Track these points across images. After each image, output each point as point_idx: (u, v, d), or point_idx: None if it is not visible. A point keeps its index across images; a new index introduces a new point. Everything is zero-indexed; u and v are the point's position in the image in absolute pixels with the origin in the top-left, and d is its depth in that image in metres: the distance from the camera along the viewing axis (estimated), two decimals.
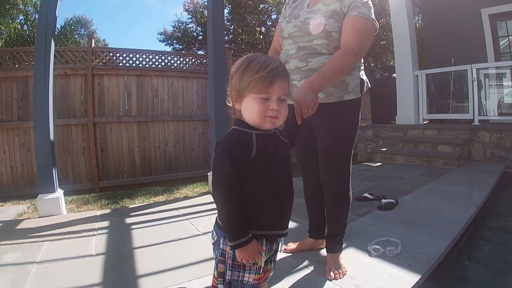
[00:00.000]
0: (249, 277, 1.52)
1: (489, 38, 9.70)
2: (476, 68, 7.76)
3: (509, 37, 9.81)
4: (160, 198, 5.29)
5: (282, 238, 1.68)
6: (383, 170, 6.58)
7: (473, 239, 3.88)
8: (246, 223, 1.44)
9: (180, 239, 3.28)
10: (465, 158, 7.14)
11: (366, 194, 4.44)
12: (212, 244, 1.60)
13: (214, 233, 1.58)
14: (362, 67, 2.53)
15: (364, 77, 2.52)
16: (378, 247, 2.86)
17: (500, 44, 9.88)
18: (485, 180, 5.51)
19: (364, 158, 8.24)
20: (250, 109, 1.45)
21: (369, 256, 2.75)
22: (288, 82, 1.50)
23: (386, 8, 13.94)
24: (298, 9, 2.48)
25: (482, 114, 7.99)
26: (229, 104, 1.54)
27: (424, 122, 8.69)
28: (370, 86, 2.67)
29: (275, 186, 1.52)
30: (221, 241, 1.52)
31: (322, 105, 2.30)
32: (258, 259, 1.48)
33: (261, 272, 1.56)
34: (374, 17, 2.29)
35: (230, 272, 1.52)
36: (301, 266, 2.60)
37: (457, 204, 4.23)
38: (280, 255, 2.71)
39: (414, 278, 2.42)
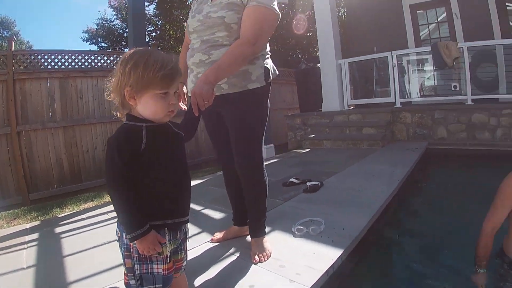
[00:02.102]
0: (158, 268, 1.52)
1: (410, 27, 10.37)
2: (396, 55, 8.21)
3: (429, 25, 10.47)
4: (90, 204, 5.16)
5: (187, 225, 1.70)
6: (311, 156, 6.74)
7: (397, 212, 4.11)
8: (142, 214, 1.44)
9: (110, 242, 3.18)
10: (389, 138, 7.55)
11: (292, 179, 4.52)
12: (117, 241, 1.57)
13: (118, 230, 1.56)
14: (268, 56, 2.56)
15: (270, 65, 2.54)
16: (302, 227, 2.92)
17: (422, 32, 10.54)
18: (408, 157, 5.82)
19: (294, 145, 8.43)
20: (151, 106, 1.49)
21: (294, 237, 2.81)
22: (182, 76, 1.59)
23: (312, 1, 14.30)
24: (202, 4, 2.48)
25: (406, 97, 8.58)
26: (110, 99, 1.55)
27: (350, 108, 9.01)
28: (278, 74, 2.71)
29: (170, 176, 1.55)
30: (124, 236, 1.49)
31: (227, 96, 2.35)
32: (159, 249, 1.48)
33: (169, 261, 1.56)
34: (275, 6, 2.32)
35: (138, 266, 1.50)
36: (228, 253, 2.61)
37: (380, 181, 4.43)
38: (206, 246, 2.73)
39: (337, 253, 2.50)
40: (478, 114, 7.20)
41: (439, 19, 10.41)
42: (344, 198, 3.83)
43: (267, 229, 2.80)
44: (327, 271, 2.29)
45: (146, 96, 1.47)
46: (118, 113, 1.59)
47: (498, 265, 2.39)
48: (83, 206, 5.02)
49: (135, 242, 1.44)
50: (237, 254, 2.58)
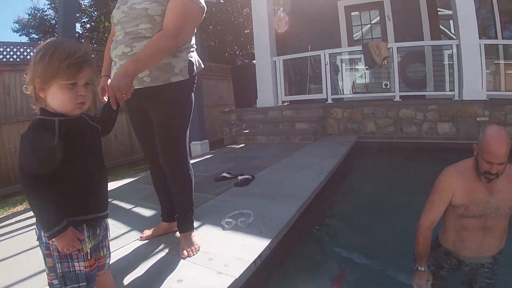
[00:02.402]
0: (79, 266, 1.47)
1: (344, 28, 10.79)
2: (329, 53, 8.47)
3: (363, 27, 10.95)
4: (19, 208, 4.93)
5: (107, 221, 1.66)
6: (245, 151, 6.78)
7: (326, 202, 4.27)
8: (58, 211, 1.39)
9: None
10: (321, 133, 7.79)
11: (224, 174, 4.52)
12: (37, 239, 1.50)
13: (36, 228, 1.49)
14: (193, 49, 2.52)
15: (194, 59, 2.51)
16: (231, 220, 2.93)
17: (355, 33, 11.01)
18: (338, 150, 6.00)
19: (229, 141, 8.45)
20: (59, 97, 1.43)
21: (223, 230, 2.81)
22: (93, 67, 1.49)
23: None
24: None
25: (340, 94, 8.94)
26: (27, 93, 1.47)
27: (285, 104, 9.19)
28: (203, 67, 2.69)
29: (85, 170, 1.50)
30: (42, 234, 1.42)
31: (150, 89, 2.30)
32: (78, 246, 1.44)
33: (89, 258, 1.51)
34: None
35: (59, 264, 1.45)
36: (157, 250, 2.55)
37: (310, 173, 4.53)
38: (136, 244, 2.65)
39: (265, 243, 2.53)
40: (405, 109, 7.62)
41: (372, 21, 10.88)
42: (275, 190, 3.88)
43: (197, 224, 2.80)
44: (254, 261, 2.31)
45: (53, 87, 1.41)
46: (34, 107, 1.51)
47: (435, 255, 2.53)
48: (11, 211, 4.78)
49: (53, 240, 1.39)
50: (166, 250, 2.53)
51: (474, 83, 7.44)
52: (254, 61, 9.28)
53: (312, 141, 7.13)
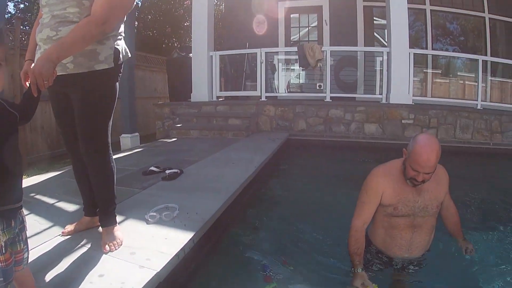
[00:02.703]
0: None
1: (283, 28, 11.09)
2: (265, 52, 8.62)
3: (300, 29, 11.38)
4: None
5: (23, 213, 1.60)
6: (177, 145, 6.73)
7: (255, 196, 4.38)
8: None
9: None
10: (254, 129, 7.95)
11: (152, 168, 4.44)
12: None
13: None
14: (121, 37, 2.46)
15: (121, 47, 2.45)
16: (155, 214, 2.90)
17: (293, 35, 11.45)
18: (268, 146, 6.15)
19: (162, 135, 8.30)
20: None
21: (147, 224, 2.77)
22: (4, 47, 1.43)
23: None
24: None
25: (275, 92, 9.23)
26: None
27: (220, 100, 9.19)
28: (130, 56, 2.62)
29: None
30: None
31: (73, 76, 2.22)
32: None
33: (5, 252, 1.44)
34: None
35: None
36: (79, 245, 2.46)
37: (239, 167, 4.59)
38: (58, 240, 2.55)
39: (188, 236, 2.55)
40: (335, 110, 8.01)
41: (310, 25, 11.33)
42: (202, 184, 3.90)
43: (121, 218, 2.76)
44: (177, 254, 2.32)
45: None
46: None
47: (366, 253, 2.55)
48: None
49: None
50: (88, 245, 2.45)
51: (401, 88, 7.99)
52: (191, 54, 9.20)
53: (245, 137, 7.23)
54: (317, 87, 8.90)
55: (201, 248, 2.78)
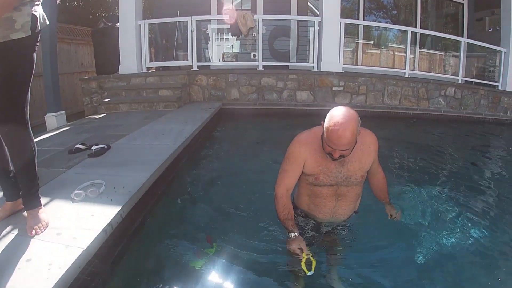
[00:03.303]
0: None
1: None
2: (196, 20, 8.38)
3: None
4: None
5: None
6: (105, 120, 6.45)
7: (187, 166, 4.40)
8: None
9: None
10: (186, 100, 7.83)
11: (78, 145, 4.22)
12: None
13: None
14: (38, 2, 2.29)
15: (39, 13, 2.27)
16: (81, 191, 2.81)
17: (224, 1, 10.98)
18: (200, 116, 6.12)
19: (90, 111, 7.84)
20: None
21: (73, 203, 2.69)
22: None
23: None
24: None
25: (209, 61, 9.29)
26: None
27: (151, 71, 8.90)
28: (48, 23, 2.45)
29: None
30: None
31: None
32: None
33: None
34: None
35: None
36: (4, 233, 2.33)
37: (168, 138, 4.55)
38: None
39: (115, 210, 2.52)
40: (267, 78, 8.11)
41: None
42: (130, 158, 3.83)
43: (46, 200, 2.66)
44: (104, 229, 2.30)
45: None
46: None
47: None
48: None
49: None
50: (15, 232, 2.33)
51: (332, 57, 8.26)
52: (118, 24, 8.75)
53: (176, 108, 7.11)
54: (252, 57, 8.86)
55: (132, 221, 2.77)
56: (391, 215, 2.71)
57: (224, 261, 2.52)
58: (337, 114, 2.14)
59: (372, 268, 2.52)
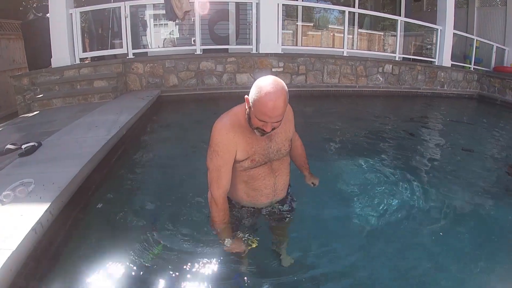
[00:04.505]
0: None
1: None
2: (129, 5, 8.10)
3: None
4: None
5: None
6: (38, 118, 6.17)
7: (124, 157, 4.35)
8: None
9: None
10: (122, 89, 7.64)
11: (8, 146, 4.03)
12: None
13: None
14: None
15: None
16: (10, 192, 2.70)
17: None
18: (136, 105, 6.08)
19: (24, 110, 7.39)
20: None
21: (2, 205, 2.59)
22: None
23: None
24: None
25: (147, 48, 9.15)
26: None
27: (86, 62, 8.54)
28: None
29: None
30: None
31: None
32: None
33: None
34: None
35: None
36: None
37: (102, 130, 4.47)
38: None
39: (44, 207, 2.47)
40: (206, 62, 8.11)
41: None
42: (62, 153, 3.73)
43: None
44: (33, 228, 2.25)
45: None
46: None
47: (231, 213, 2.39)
48: None
49: None
50: None
51: (270, 38, 8.36)
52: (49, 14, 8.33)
53: (113, 98, 6.93)
54: (192, 42, 8.79)
55: (66, 218, 2.73)
56: (312, 183, 2.74)
57: (171, 255, 2.46)
58: (266, 84, 1.97)
59: (320, 239, 2.70)
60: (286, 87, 2.02)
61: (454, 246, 2.76)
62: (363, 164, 4.26)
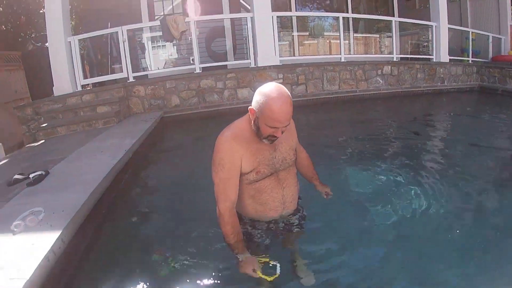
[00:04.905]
0: None
1: (145, 2, 10.65)
2: (126, 30, 8.22)
3: (163, 2, 11.25)
4: None
5: None
6: (44, 147, 6.22)
7: (132, 180, 4.35)
8: None
9: None
10: (125, 113, 7.69)
11: (16, 176, 4.07)
12: None
13: None
14: None
15: None
16: (20, 222, 2.71)
17: (157, 10, 11.12)
18: (140, 128, 6.11)
19: (29, 140, 7.44)
20: None
21: (13, 235, 2.60)
22: None
23: None
24: None
25: (147, 71, 9.19)
26: None
27: (87, 88, 8.67)
28: None
29: None
30: None
31: None
32: None
33: None
34: None
35: None
36: None
37: (107, 155, 4.47)
38: None
39: (55, 235, 2.46)
40: (206, 80, 8.18)
41: None
42: (69, 180, 3.74)
43: None
44: (46, 257, 2.24)
45: None
46: None
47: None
48: None
49: None
50: None
51: (268, 51, 8.46)
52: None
53: (116, 123, 6.97)
54: (191, 61, 8.86)
55: (78, 244, 2.72)
56: (325, 193, 2.68)
57: (182, 276, 2.42)
58: (271, 91, 2.02)
59: (336, 250, 2.60)
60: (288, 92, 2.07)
61: (478, 254, 2.54)
62: (371, 169, 4.21)
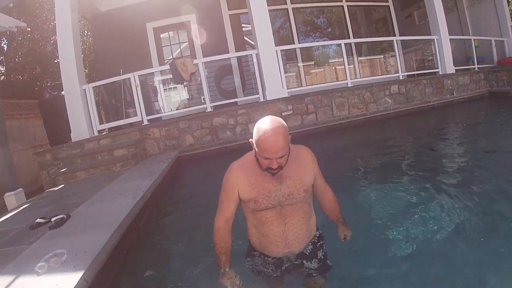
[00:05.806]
0: None
1: (154, 48, 11.25)
2: (138, 75, 8.60)
3: (172, 46, 11.75)
4: None
5: None
6: (64, 191, 6.38)
7: (151, 220, 4.44)
8: None
9: None
10: (142, 155, 7.87)
11: (38, 220, 4.20)
12: None
13: None
14: None
15: None
16: (44, 263, 2.83)
17: (165, 53, 11.70)
18: (157, 169, 6.19)
19: (49, 185, 7.67)
20: None
21: (38, 276, 2.70)
22: None
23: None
24: None
25: (160, 113, 9.29)
26: None
27: (103, 133, 8.95)
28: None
29: None
30: None
31: None
32: None
33: None
34: None
35: None
36: None
37: (127, 197, 4.57)
38: None
39: (78, 275, 2.54)
40: (218, 117, 8.38)
41: (181, 41, 11.76)
42: (91, 222, 3.84)
43: (11, 278, 2.70)
44: None
45: None
46: None
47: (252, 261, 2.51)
48: None
49: None
50: None
51: (275, 84, 8.63)
52: (63, 92, 8.74)
53: (134, 165, 7.12)
54: (202, 101, 8.98)
55: (101, 283, 2.79)
56: (344, 236, 2.58)
57: None
58: (264, 123, 2.13)
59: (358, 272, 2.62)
60: (285, 123, 2.18)
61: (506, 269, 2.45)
62: (389, 189, 4.21)
